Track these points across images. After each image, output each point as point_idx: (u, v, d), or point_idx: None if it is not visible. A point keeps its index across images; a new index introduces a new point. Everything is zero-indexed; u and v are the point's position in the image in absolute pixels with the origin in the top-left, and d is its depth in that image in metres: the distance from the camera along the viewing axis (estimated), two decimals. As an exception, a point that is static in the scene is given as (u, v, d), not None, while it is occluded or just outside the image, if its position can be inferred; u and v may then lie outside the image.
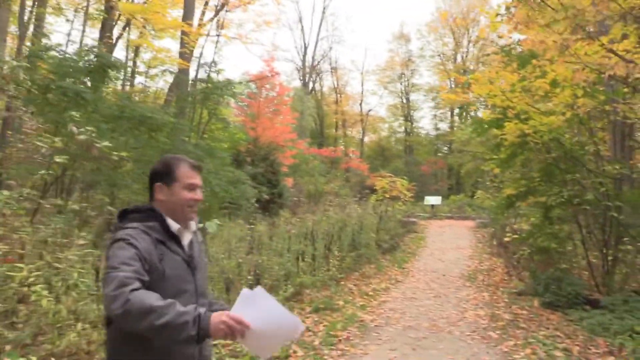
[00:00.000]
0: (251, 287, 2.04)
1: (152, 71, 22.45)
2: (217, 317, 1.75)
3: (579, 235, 9.15)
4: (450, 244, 16.65)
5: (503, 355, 5.67)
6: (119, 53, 28.58)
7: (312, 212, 18.89)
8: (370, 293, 9.28)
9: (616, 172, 7.86)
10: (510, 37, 11.37)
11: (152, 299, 1.74)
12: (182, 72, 15.28)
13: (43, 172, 4.91)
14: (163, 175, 2.12)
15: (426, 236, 18.47)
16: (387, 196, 22.26)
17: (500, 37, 12.31)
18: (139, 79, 23.47)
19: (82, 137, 5.05)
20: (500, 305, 8.38)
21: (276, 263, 8.07)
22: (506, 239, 12.26)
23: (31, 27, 14.19)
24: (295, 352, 5.49)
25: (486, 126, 8.83)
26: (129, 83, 22.52)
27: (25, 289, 4.85)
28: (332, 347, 5.82)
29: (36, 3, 15.49)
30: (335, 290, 8.99)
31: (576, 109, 7.72)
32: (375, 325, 6.95)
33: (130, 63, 22.83)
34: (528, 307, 8.16)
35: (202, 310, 1.78)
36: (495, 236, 15.55)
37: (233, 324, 1.75)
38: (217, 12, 21.09)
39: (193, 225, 2.22)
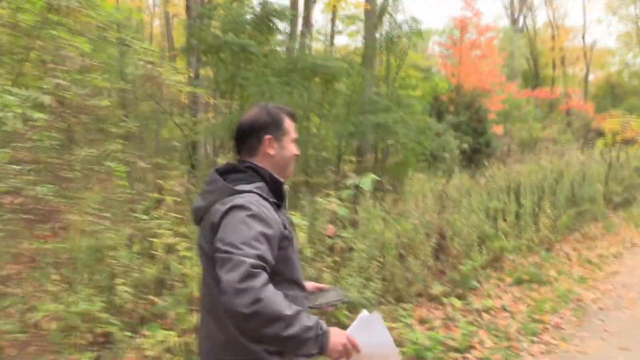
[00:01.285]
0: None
1: (350, 29, 22.01)
2: (337, 337, 1.64)
3: None
4: None
5: None
6: (320, 16, 28.68)
7: (524, 161, 16.71)
8: (595, 261, 7.40)
9: None
10: None
11: (282, 303, 1.55)
12: (369, 19, 14.30)
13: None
14: (271, 126, 1.88)
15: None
16: (619, 139, 18.62)
17: None
18: (338, 39, 23.33)
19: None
20: None
21: (468, 224, 6.76)
22: None
23: None
24: (481, 341, 4.27)
25: None
26: (328, 43, 22.51)
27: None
28: (534, 337, 4.42)
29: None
30: (547, 256, 7.34)
31: None
32: (599, 308, 5.27)
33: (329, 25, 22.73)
34: None
35: (324, 326, 1.62)
36: None
37: (350, 348, 1.66)
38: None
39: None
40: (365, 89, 11.40)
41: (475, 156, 17.96)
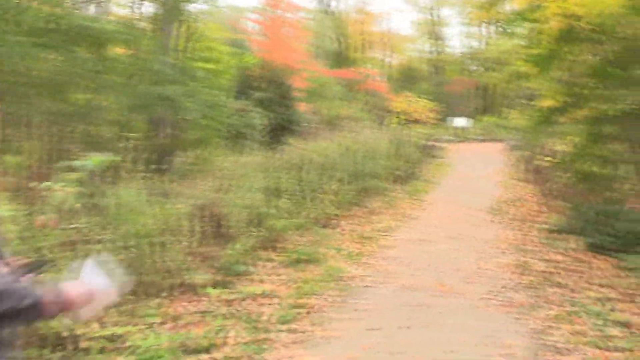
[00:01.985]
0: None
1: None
2: (75, 288, 1.55)
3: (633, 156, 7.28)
4: (477, 170, 14.80)
5: (531, 336, 3.97)
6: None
7: (326, 138, 17.22)
8: (373, 235, 7.60)
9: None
10: None
11: None
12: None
13: None
14: None
15: (451, 162, 16.63)
16: (408, 118, 20.21)
17: None
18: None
19: None
20: (532, 249, 6.64)
21: (246, 204, 6.43)
22: (542, 163, 10.34)
23: None
24: (236, 335, 3.90)
25: (518, 17, 6.73)
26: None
27: None
28: (294, 324, 4.18)
29: None
30: (328, 233, 7.37)
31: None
32: (366, 286, 5.28)
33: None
34: (570, 251, 6.40)
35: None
36: (526, 160, 13.57)
37: (88, 294, 1.57)
38: None
39: None
40: (153, 58, 10.45)
41: (280, 133, 18.00)
